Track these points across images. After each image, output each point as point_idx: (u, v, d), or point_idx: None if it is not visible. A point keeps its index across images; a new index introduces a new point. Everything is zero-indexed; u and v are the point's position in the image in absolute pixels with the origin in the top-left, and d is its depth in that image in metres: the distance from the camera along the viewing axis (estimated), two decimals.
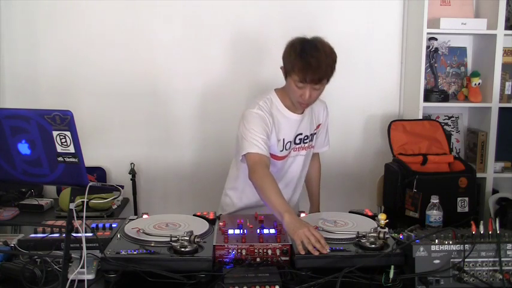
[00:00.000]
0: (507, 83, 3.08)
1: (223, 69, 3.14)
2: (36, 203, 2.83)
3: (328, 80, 2.03)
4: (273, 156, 2.10)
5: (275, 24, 3.06)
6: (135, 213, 3.11)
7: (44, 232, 1.77)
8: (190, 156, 3.22)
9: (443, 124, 3.04)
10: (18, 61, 3.07)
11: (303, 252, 1.58)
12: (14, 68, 3.07)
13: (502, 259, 1.55)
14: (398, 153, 2.69)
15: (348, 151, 3.27)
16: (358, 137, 3.28)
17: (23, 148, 1.42)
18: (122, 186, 1.56)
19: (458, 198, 2.42)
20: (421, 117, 2.97)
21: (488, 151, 3.04)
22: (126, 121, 3.16)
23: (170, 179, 3.23)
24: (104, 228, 1.82)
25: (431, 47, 3.03)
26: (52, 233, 1.76)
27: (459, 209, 2.41)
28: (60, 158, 1.38)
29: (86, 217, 1.52)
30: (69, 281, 1.45)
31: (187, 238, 1.59)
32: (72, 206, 1.43)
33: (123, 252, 1.57)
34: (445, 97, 3.07)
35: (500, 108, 3.01)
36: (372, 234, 1.65)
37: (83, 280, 1.49)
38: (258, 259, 1.63)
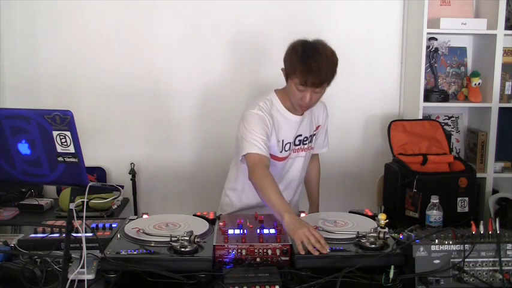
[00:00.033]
0: (507, 83, 3.08)
1: (223, 69, 3.14)
2: (36, 203, 2.83)
3: (329, 84, 2.03)
4: (273, 157, 2.10)
5: (275, 25, 3.06)
6: (135, 213, 3.11)
7: (44, 232, 1.77)
8: (190, 156, 3.22)
9: (443, 124, 3.04)
10: (18, 61, 3.07)
11: (303, 252, 1.58)
12: (14, 68, 3.07)
13: (502, 259, 1.55)
14: (398, 153, 2.69)
15: (348, 151, 3.27)
16: (358, 137, 3.28)
17: (23, 148, 1.42)
18: (122, 186, 1.56)
19: (458, 198, 2.42)
20: (421, 117, 2.97)
21: (488, 151, 3.04)
22: (126, 121, 3.16)
23: (170, 179, 3.23)
24: (104, 228, 1.82)
25: (431, 47, 3.03)
26: (52, 233, 1.76)
27: (459, 209, 2.41)
28: (60, 158, 1.38)
29: (86, 217, 1.52)
30: (69, 281, 1.45)
31: (187, 238, 1.59)
32: (72, 206, 1.43)
33: (123, 252, 1.57)
34: (445, 97, 3.07)
35: (500, 108, 3.01)
36: (372, 234, 1.65)
37: (83, 280, 1.49)
38: (258, 259, 1.63)
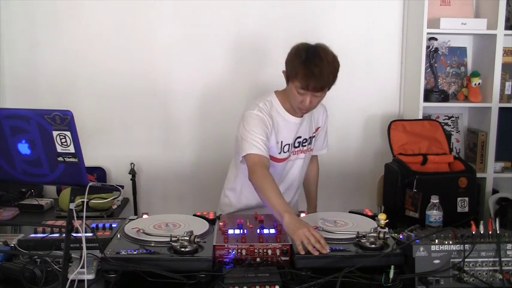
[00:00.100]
0: (507, 83, 3.08)
1: (223, 70, 3.14)
2: (36, 203, 2.83)
3: (329, 88, 2.04)
4: (272, 158, 2.10)
5: (275, 25, 3.06)
6: (135, 213, 3.11)
7: (44, 232, 1.77)
8: (190, 156, 3.22)
9: (443, 124, 3.04)
10: (18, 61, 3.07)
11: (302, 252, 1.58)
12: (14, 68, 3.07)
13: (502, 259, 1.55)
14: (398, 153, 2.69)
15: (348, 151, 3.27)
16: (358, 137, 3.28)
17: (23, 148, 1.42)
18: (122, 186, 1.56)
19: (458, 198, 2.42)
20: (421, 117, 2.97)
21: (488, 151, 3.04)
22: (126, 121, 3.16)
23: (170, 179, 3.23)
24: (104, 228, 1.82)
25: (431, 47, 3.03)
26: (52, 233, 1.76)
27: (459, 209, 2.41)
28: (60, 158, 1.38)
29: (86, 217, 1.52)
30: (69, 281, 1.45)
31: (187, 238, 1.59)
32: (72, 206, 1.43)
33: (123, 252, 1.57)
34: (445, 97, 3.07)
35: (500, 108, 3.01)
36: (372, 234, 1.65)
37: (83, 280, 1.49)
38: (258, 259, 1.63)
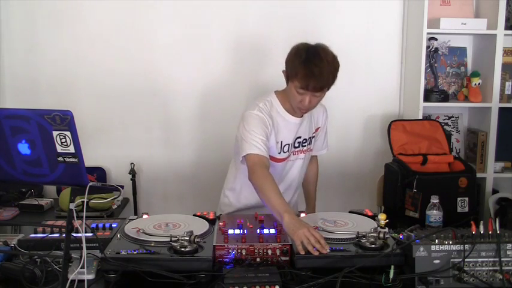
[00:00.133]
0: (507, 83, 3.08)
1: (223, 70, 3.14)
2: (36, 203, 2.83)
3: (328, 88, 2.04)
4: (272, 158, 2.10)
5: (275, 25, 3.06)
6: (135, 213, 3.11)
7: (44, 232, 1.77)
8: (190, 156, 3.22)
9: (443, 124, 3.04)
10: (18, 61, 3.07)
11: (302, 253, 1.58)
12: (14, 68, 3.07)
13: (502, 259, 1.55)
14: (398, 153, 2.69)
15: (348, 151, 3.27)
16: (358, 137, 3.28)
17: (23, 148, 1.42)
18: (122, 186, 1.56)
19: (458, 198, 2.42)
20: (421, 117, 2.97)
21: (488, 151, 3.04)
22: (126, 121, 3.16)
23: (170, 179, 3.23)
24: (104, 228, 1.82)
25: (431, 47, 3.03)
26: (52, 233, 1.76)
27: (459, 209, 2.41)
28: (60, 158, 1.38)
29: (86, 217, 1.52)
30: (69, 281, 1.45)
31: (187, 238, 1.59)
32: (72, 206, 1.43)
33: (123, 252, 1.57)
34: (445, 97, 3.07)
35: (500, 108, 3.01)
36: (372, 234, 1.65)
37: (83, 280, 1.49)
38: (258, 259, 1.63)
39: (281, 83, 2.12)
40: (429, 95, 3.03)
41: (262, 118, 2.06)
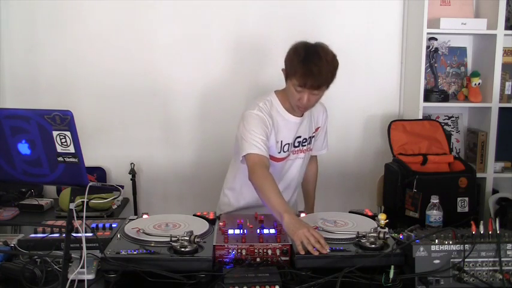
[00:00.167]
0: (507, 83, 3.08)
1: (223, 70, 3.14)
2: (36, 203, 2.83)
3: (327, 87, 2.04)
4: (271, 157, 2.10)
5: (275, 25, 3.06)
6: (135, 213, 3.11)
7: (44, 232, 1.77)
8: (190, 156, 3.22)
9: (443, 124, 3.04)
10: (18, 61, 3.07)
11: (302, 253, 1.58)
12: (14, 68, 3.07)
13: (502, 259, 1.55)
14: (398, 153, 2.69)
15: (348, 151, 3.27)
16: (358, 137, 3.28)
17: (23, 148, 1.42)
18: (122, 186, 1.56)
19: (458, 198, 2.42)
20: (421, 117, 2.97)
21: (488, 151, 3.04)
22: (126, 121, 3.16)
23: (170, 179, 3.23)
24: (104, 228, 1.82)
25: (431, 47, 3.03)
26: (52, 233, 1.76)
27: (459, 209, 2.41)
28: (60, 158, 1.38)
29: (86, 217, 1.52)
30: (69, 281, 1.45)
31: (187, 238, 1.59)
32: (72, 206, 1.43)
33: (123, 252, 1.57)
34: (445, 97, 3.07)
35: (500, 108, 3.01)
36: (372, 234, 1.65)
37: (83, 280, 1.49)
38: (258, 259, 1.63)
39: (281, 82, 2.12)
40: (429, 95, 3.03)
41: (262, 118, 2.06)
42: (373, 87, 3.22)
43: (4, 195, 2.88)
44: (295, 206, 2.39)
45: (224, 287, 1.46)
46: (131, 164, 3.12)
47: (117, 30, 3.06)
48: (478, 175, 2.88)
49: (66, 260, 1.42)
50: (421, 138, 2.75)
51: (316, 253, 1.57)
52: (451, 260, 1.54)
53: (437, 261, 1.54)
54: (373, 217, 1.92)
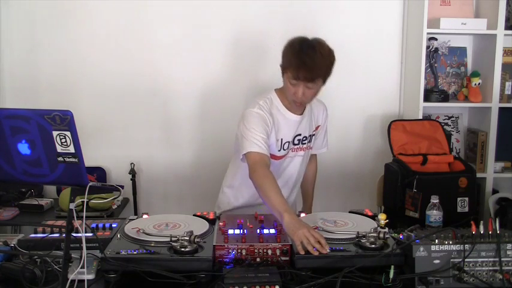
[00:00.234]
0: (507, 83, 3.08)
1: (223, 69, 3.14)
2: (36, 203, 2.83)
3: (324, 81, 2.04)
4: (270, 155, 2.10)
5: (275, 25, 3.06)
6: (135, 213, 3.11)
7: (44, 232, 1.77)
8: (190, 156, 3.22)
9: (443, 124, 3.04)
10: (18, 61, 3.07)
11: (302, 253, 1.58)
12: (14, 68, 3.07)
13: (502, 259, 1.55)
14: (398, 153, 2.69)
15: (348, 151, 3.27)
16: (358, 137, 3.28)
17: (23, 148, 1.42)
18: (122, 186, 1.56)
19: (458, 198, 2.42)
20: (421, 117, 2.97)
21: (488, 151, 3.04)
22: (126, 121, 3.16)
23: (170, 179, 3.23)
24: (104, 228, 1.82)
25: (431, 47, 3.02)
26: (52, 233, 1.76)
27: (459, 209, 2.41)
28: (60, 158, 1.38)
29: (86, 217, 1.52)
30: (69, 281, 1.45)
31: (187, 238, 1.59)
32: (72, 206, 1.43)
33: (123, 252, 1.57)
34: (445, 97, 3.07)
35: (500, 108, 3.01)
36: (372, 234, 1.65)
37: (83, 280, 1.49)
38: (258, 259, 1.63)
39: (281, 81, 2.12)
40: (429, 95, 3.03)
41: (263, 116, 2.06)
42: (373, 87, 3.22)
43: (4, 195, 2.88)
44: (294, 206, 2.39)
45: (224, 287, 1.46)
46: (131, 164, 3.12)
47: (117, 30, 3.06)
48: (478, 175, 2.88)
49: (66, 260, 1.42)
50: (421, 138, 2.75)
51: (316, 253, 1.57)
52: (451, 260, 1.54)
53: (437, 261, 1.54)
54: (373, 217, 1.91)
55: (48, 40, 3.05)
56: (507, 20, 2.97)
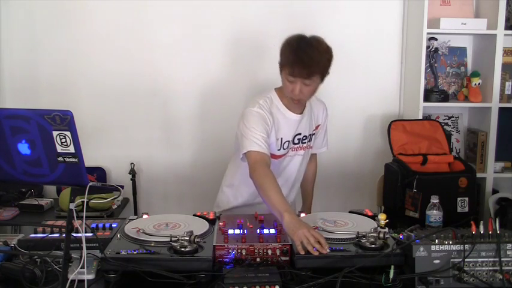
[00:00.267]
0: (507, 83, 3.08)
1: (223, 69, 3.14)
2: (36, 203, 2.83)
3: (322, 79, 2.04)
4: (270, 154, 2.10)
5: (274, 24, 3.06)
6: (135, 213, 3.11)
7: (44, 232, 1.77)
8: (190, 156, 3.22)
9: (443, 124, 3.04)
10: (18, 61, 3.07)
11: (302, 253, 1.58)
12: (14, 68, 3.07)
13: (502, 259, 1.55)
14: (398, 153, 2.69)
15: (348, 151, 3.27)
16: (358, 137, 3.28)
17: (23, 148, 1.42)
18: (122, 186, 1.56)
19: (458, 198, 2.42)
20: (421, 117, 2.97)
21: (488, 151, 3.04)
22: (126, 121, 3.16)
23: (170, 179, 3.23)
24: (104, 228, 1.82)
25: (431, 47, 3.02)
26: (52, 233, 1.76)
27: (459, 209, 2.41)
28: (60, 158, 1.38)
29: (86, 217, 1.52)
30: (69, 281, 1.45)
31: (187, 238, 1.59)
32: (72, 206, 1.43)
33: (123, 252, 1.57)
34: (445, 97, 3.07)
35: (500, 108, 3.01)
36: (372, 234, 1.65)
37: (83, 280, 1.49)
38: (258, 259, 1.62)
39: (280, 81, 2.12)
40: (429, 95, 3.03)
41: (263, 115, 2.06)
42: (373, 87, 3.22)
43: (4, 195, 2.88)
44: (293, 205, 2.38)
45: (224, 287, 1.46)
46: (131, 164, 3.12)
47: (117, 30, 3.06)
48: (478, 175, 2.88)
49: (66, 260, 1.42)
50: (421, 138, 2.75)
51: (316, 253, 1.57)
52: (451, 260, 1.54)
53: (437, 261, 1.54)
54: (373, 217, 1.91)
55: (48, 40, 3.05)
56: (507, 20, 2.97)
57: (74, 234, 1.48)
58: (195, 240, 1.60)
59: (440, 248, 1.55)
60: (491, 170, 3.05)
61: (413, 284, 1.54)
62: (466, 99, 3.12)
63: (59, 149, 1.37)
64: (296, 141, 2.20)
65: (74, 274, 1.48)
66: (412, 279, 1.54)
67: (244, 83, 3.12)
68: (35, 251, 1.67)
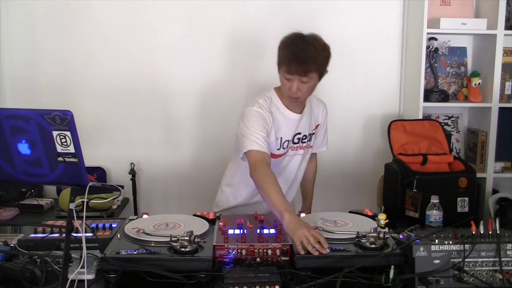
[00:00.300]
0: (507, 83, 3.08)
1: (222, 69, 3.14)
2: (36, 203, 2.83)
3: (320, 77, 2.03)
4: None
5: (274, 24, 3.06)
6: (135, 213, 3.11)
7: (44, 232, 1.77)
8: (190, 156, 3.22)
9: (443, 124, 3.04)
10: (18, 61, 3.07)
11: (302, 253, 1.58)
12: (14, 68, 3.07)
13: (502, 259, 1.55)
14: (398, 153, 2.69)
15: (348, 151, 3.27)
16: (358, 137, 3.28)
17: (23, 148, 1.42)
18: (122, 186, 1.56)
19: (458, 198, 2.42)
20: (421, 117, 2.97)
21: (488, 151, 3.04)
22: (126, 121, 3.16)
23: (170, 179, 3.23)
24: (104, 228, 1.82)
25: (431, 47, 3.03)
26: (52, 233, 1.76)
27: (459, 209, 2.41)
28: (60, 158, 1.38)
29: (86, 217, 1.52)
30: (69, 281, 1.45)
31: (187, 238, 1.59)
32: (72, 206, 1.43)
33: (123, 252, 1.57)
34: (445, 97, 3.07)
35: (500, 108, 3.01)
36: (372, 234, 1.65)
37: (83, 280, 1.49)
38: (258, 259, 1.62)
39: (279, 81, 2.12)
40: (429, 95, 3.03)
41: (263, 115, 2.06)
42: (373, 87, 3.22)
43: (4, 195, 2.88)
44: (293, 205, 2.38)
45: (224, 287, 1.46)
46: (131, 164, 3.12)
47: (117, 30, 3.06)
48: (478, 175, 2.88)
49: (66, 260, 1.42)
50: (421, 138, 2.75)
51: (316, 253, 1.57)
52: (451, 260, 1.54)
53: (437, 261, 1.54)
54: (373, 217, 1.91)
55: (48, 40, 3.05)
56: (507, 20, 2.97)
57: (74, 234, 1.48)
58: (195, 240, 1.60)
59: (440, 248, 1.55)
60: (491, 170, 3.05)
61: (413, 284, 1.54)
62: (466, 99, 3.12)
63: (59, 149, 1.37)
64: (296, 140, 2.20)
65: (74, 274, 1.48)
66: (412, 279, 1.54)
67: (243, 83, 3.12)
68: (35, 251, 1.67)
